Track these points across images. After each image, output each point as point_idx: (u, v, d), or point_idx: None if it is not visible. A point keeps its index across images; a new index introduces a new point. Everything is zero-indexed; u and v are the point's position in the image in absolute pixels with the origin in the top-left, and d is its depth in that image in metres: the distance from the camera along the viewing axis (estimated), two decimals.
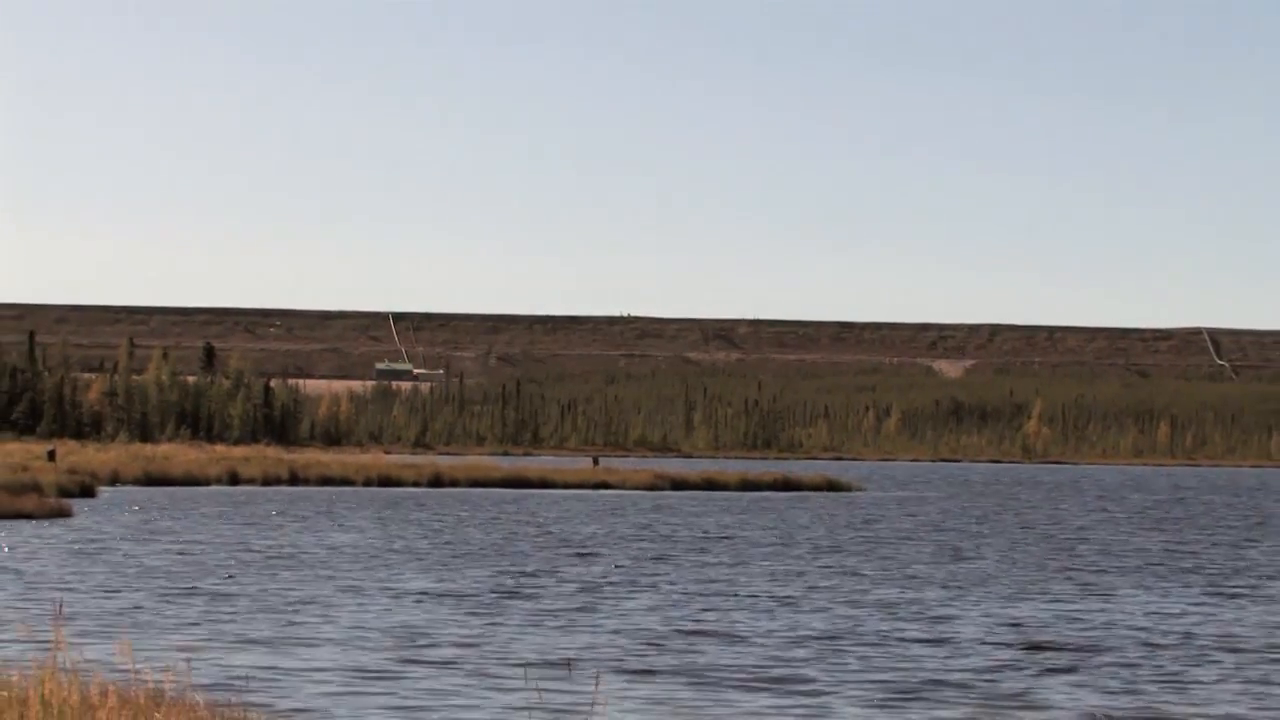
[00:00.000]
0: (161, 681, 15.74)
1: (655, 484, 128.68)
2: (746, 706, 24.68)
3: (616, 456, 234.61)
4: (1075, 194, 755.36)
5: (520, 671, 27.97)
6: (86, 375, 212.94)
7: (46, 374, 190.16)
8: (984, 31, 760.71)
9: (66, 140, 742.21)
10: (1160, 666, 30.18)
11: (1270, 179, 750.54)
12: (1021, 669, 29.54)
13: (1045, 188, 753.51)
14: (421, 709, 23.78)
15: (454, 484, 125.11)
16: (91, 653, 22.18)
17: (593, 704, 18.47)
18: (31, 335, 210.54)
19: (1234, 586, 48.01)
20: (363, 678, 27.27)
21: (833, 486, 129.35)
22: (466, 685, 26.58)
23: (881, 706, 25.04)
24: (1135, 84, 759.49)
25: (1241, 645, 33.56)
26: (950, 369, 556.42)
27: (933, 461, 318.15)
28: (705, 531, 72.47)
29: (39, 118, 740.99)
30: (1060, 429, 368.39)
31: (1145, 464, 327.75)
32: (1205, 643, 33.95)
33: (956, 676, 28.20)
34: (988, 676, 28.44)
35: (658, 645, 31.78)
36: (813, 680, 27.82)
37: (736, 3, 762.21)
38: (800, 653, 31.03)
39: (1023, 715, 24.27)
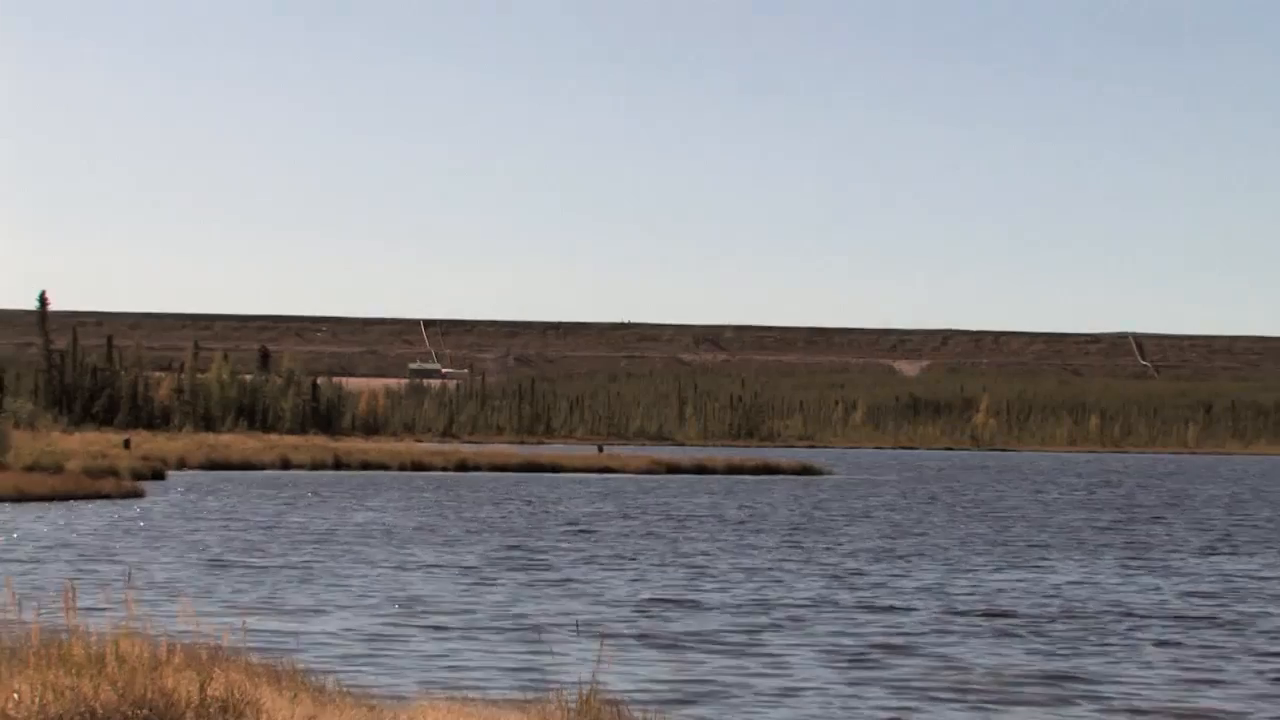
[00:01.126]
0: (219, 640, 15.91)
1: (652, 468, 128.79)
2: (711, 666, 24.63)
3: (618, 445, 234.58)
4: (1018, 215, 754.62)
5: (513, 635, 27.93)
6: (157, 374, 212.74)
7: (123, 373, 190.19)
8: (937, 61, 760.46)
9: (140, 167, 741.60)
10: (1082, 630, 30.06)
11: (1191, 201, 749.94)
12: (962, 633, 29.40)
13: (992, 209, 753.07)
14: (428, 668, 23.76)
15: (477, 469, 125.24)
16: (158, 615, 22.35)
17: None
18: (110, 339, 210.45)
19: (1149, 559, 47.89)
20: (381, 639, 27.24)
21: (806, 471, 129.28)
22: (471, 648, 26.47)
23: (832, 667, 24.92)
24: (1070, 113, 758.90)
25: (1155, 611, 33.46)
26: (909, 369, 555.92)
27: (893, 449, 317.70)
28: (692, 510, 72.61)
29: (114, 146, 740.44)
30: (1004, 421, 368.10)
31: (1078, 451, 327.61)
32: (1123, 609, 33.81)
33: (901, 640, 28.04)
34: (930, 640, 28.31)
35: (636, 613, 31.48)
36: (771, 644, 27.63)
37: (714, 42, 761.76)
38: (762, 619, 30.81)
39: (959, 677, 24.08)
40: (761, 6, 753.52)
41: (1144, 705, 21.63)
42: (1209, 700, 22.09)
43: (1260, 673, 24.87)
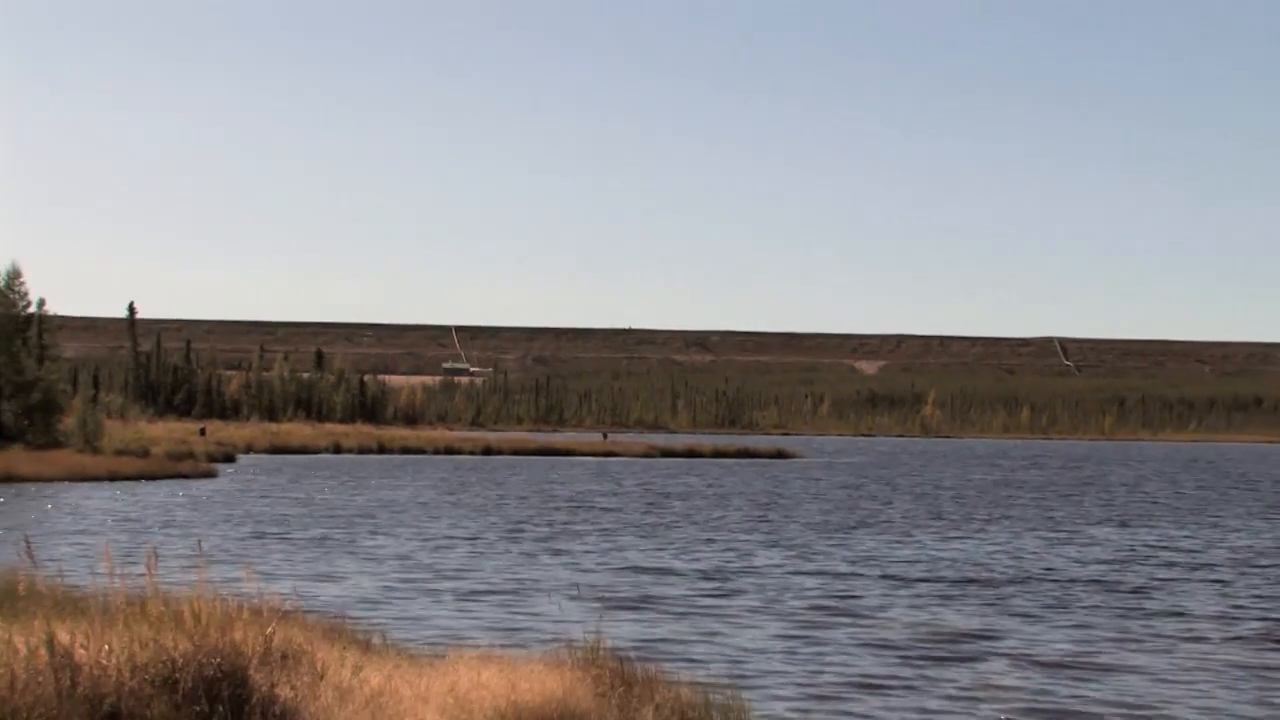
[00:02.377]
0: (280, 600, 16.00)
1: (649, 453, 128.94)
2: (679, 626, 24.48)
3: (620, 432, 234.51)
4: (961, 237, 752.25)
5: (516, 597, 27.78)
6: (228, 372, 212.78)
7: (199, 371, 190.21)
8: (890, 100, 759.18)
9: (214, 196, 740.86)
10: (1002, 592, 29.96)
11: (1108, 224, 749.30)
12: (899, 595, 29.24)
13: (939, 232, 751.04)
14: (449, 625, 23.72)
15: (500, 453, 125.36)
16: (228, 578, 22.45)
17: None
18: (188, 343, 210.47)
19: (1064, 530, 47.71)
20: (408, 600, 27.22)
21: (780, 455, 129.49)
22: (483, 608, 26.25)
23: (783, 625, 24.85)
24: (1002, 151, 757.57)
25: (1066, 576, 33.31)
26: (868, 368, 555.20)
27: (854, 436, 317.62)
28: (679, 488, 72.55)
29: (194, 180, 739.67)
30: (948, 412, 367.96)
31: (1010, 438, 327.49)
32: (1038, 574, 33.63)
33: (845, 603, 27.85)
34: (871, 602, 28.06)
35: (620, 578, 31.08)
36: (732, 606, 27.39)
37: (698, 85, 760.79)
38: (728, 584, 30.52)
39: (891, 634, 24.06)
40: (743, 46, 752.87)
41: (1049, 659, 21.39)
42: (1108, 656, 21.82)
43: (1155, 631, 24.65)
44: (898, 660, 21.03)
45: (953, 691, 18.63)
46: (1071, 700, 18.30)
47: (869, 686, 18.85)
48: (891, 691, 18.54)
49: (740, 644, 22.23)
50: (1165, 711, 17.73)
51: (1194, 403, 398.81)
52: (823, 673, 19.73)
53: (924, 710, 17.38)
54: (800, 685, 18.72)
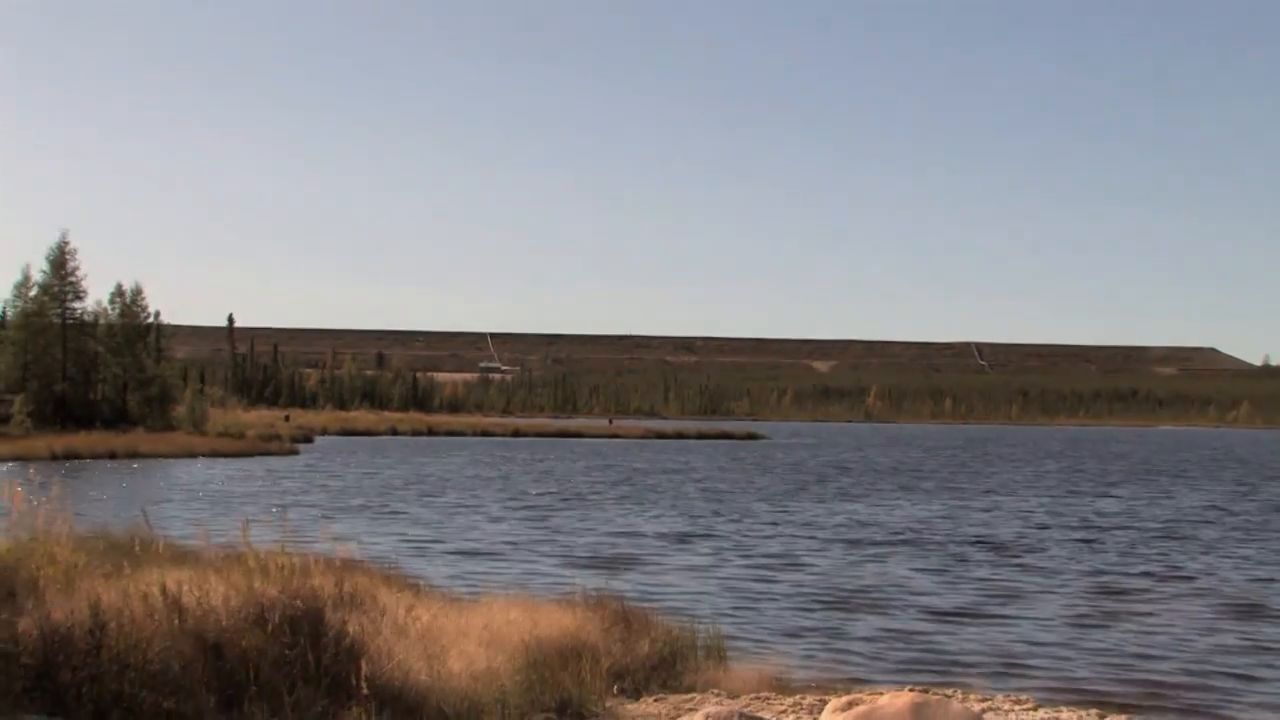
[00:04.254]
0: (349, 554, 16.02)
1: (645, 435, 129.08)
2: (646, 580, 24.14)
3: (622, 418, 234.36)
4: (897, 255, 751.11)
5: (518, 556, 27.53)
6: (308, 370, 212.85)
7: (284, 369, 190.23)
8: (830, 134, 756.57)
9: (297, 227, 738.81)
10: (915, 550, 29.68)
11: (1017, 247, 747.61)
12: (827, 554, 28.87)
13: (879, 252, 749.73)
14: (470, 578, 23.25)
15: (525, 435, 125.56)
16: (306, 536, 22.41)
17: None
18: (275, 346, 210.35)
19: (974, 499, 46.98)
20: (434, 554, 27.08)
21: (751, 436, 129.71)
22: (492, 566, 25.88)
23: (730, 577, 24.36)
24: (930, 175, 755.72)
25: (968, 537, 32.83)
26: (822, 366, 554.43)
27: (811, 422, 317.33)
28: (667, 465, 72.45)
29: (282, 210, 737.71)
30: (887, 402, 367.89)
31: (936, 423, 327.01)
32: (948, 535, 33.10)
33: (781, 561, 27.54)
34: (807, 560, 27.85)
35: (600, 541, 30.46)
36: (701, 561, 27.12)
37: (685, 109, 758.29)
38: (690, 545, 30.03)
39: (815, 589, 23.69)
40: (723, 80, 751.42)
41: (945, 608, 21.01)
42: (994, 607, 21.26)
43: (1039, 585, 24.16)
44: (822, 609, 20.60)
45: (866, 635, 18.45)
46: (964, 644, 18.12)
47: (796, 635, 18.43)
48: (814, 637, 18.22)
49: (692, 595, 21.82)
50: (1048, 652, 17.65)
51: (1082, 394, 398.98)
52: (759, 620, 19.46)
53: (845, 651, 17.34)
54: (738, 631, 18.49)
